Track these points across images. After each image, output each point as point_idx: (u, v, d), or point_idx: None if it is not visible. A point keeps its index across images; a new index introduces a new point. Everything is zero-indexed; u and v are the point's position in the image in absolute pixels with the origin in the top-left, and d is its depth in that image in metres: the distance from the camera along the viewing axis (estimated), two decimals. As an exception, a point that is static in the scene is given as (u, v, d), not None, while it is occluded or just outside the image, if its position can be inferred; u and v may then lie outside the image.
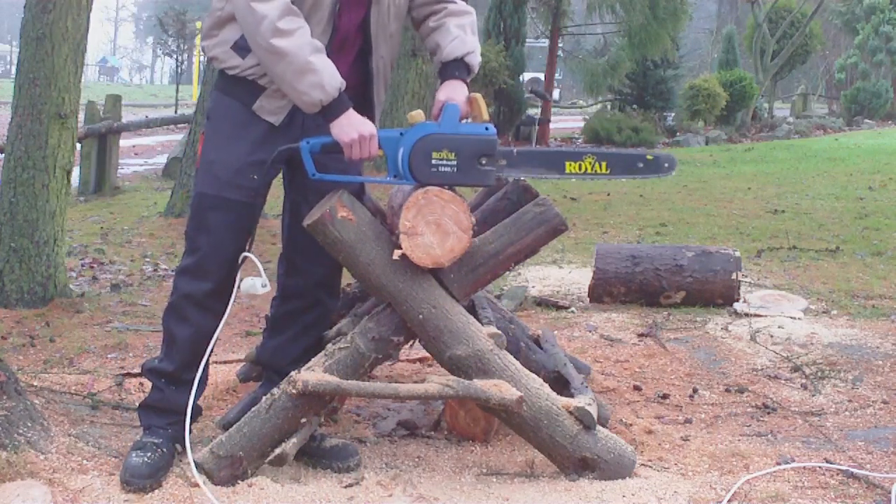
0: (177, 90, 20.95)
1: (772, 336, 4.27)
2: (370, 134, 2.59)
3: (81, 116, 7.25)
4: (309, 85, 2.50)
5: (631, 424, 3.17)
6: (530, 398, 2.65)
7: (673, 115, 19.29)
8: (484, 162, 2.62)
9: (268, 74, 2.59)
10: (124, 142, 11.85)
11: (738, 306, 4.75)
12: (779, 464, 2.86)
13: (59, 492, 2.52)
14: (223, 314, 2.72)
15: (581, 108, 24.63)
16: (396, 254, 2.62)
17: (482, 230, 2.74)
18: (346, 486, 2.65)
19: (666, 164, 2.83)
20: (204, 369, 2.75)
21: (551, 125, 17.59)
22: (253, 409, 2.69)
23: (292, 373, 2.65)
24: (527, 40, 17.57)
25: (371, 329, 2.69)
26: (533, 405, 2.66)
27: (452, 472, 2.78)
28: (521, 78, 16.75)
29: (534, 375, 2.76)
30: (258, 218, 2.76)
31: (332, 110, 2.56)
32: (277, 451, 2.62)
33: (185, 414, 2.70)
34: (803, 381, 3.71)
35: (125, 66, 63.48)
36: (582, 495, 2.60)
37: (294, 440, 2.64)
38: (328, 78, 2.51)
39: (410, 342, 2.83)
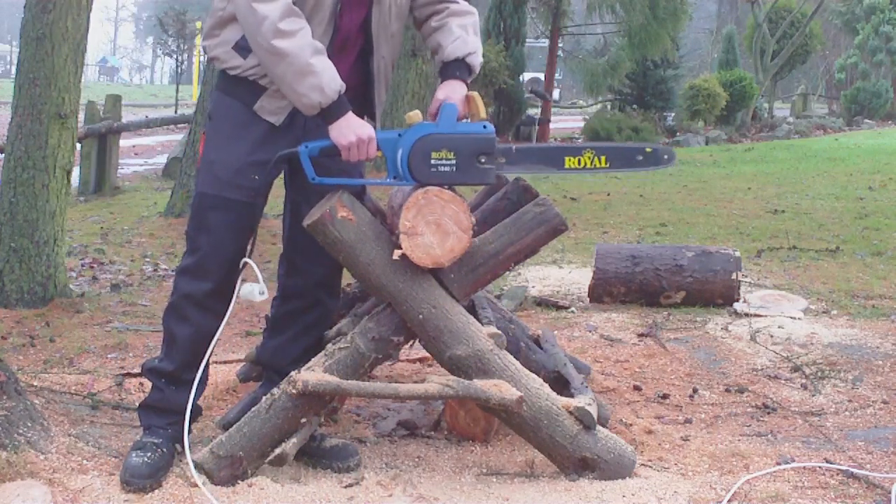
0: (177, 90, 20.95)
1: (772, 336, 4.27)
2: (368, 137, 2.58)
3: (81, 116, 7.25)
4: (308, 87, 2.50)
5: (631, 424, 3.17)
6: (530, 398, 2.65)
7: (673, 115, 19.30)
8: (483, 160, 2.62)
9: (268, 75, 2.59)
10: (124, 142, 11.85)
11: (738, 306, 4.74)
12: (779, 464, 2.86)
13: (59, 492, 2.52)
14: (223, 314, 2.72)
15: (581, 108, 24.63)
16: (396, 254, 2.62)
17: (482, 230, 2.74)
18: (346, 486, 2.64)
19: (665, 156, 2.83)
20: (204, 369, 2.75)
21: (551, 125, 17.60)
22: (253, 409, 2.69)
23: (292, 373, 2.65)
24: (527, 40, 17.61)
25: (371, 329, 2.69)
26: (533, 405, 2.65)
27: (452, 472, 2.77)
28: (521, 78, 16.78)
29: (534, 375, 2.76)
30: (259, 218, 2.76)
31: (331, 113, 2.55)
32: (277, 451, 2.62)
33: (185, 414, 2.70)
34: (803, 381, 3.70)
35: (125, 66, 63.47)
36: (582, 495, 2.60)
37: (294, 440, 2.64)
38: (328, 80, 2.51)
39: (410, 342, 2.83)
